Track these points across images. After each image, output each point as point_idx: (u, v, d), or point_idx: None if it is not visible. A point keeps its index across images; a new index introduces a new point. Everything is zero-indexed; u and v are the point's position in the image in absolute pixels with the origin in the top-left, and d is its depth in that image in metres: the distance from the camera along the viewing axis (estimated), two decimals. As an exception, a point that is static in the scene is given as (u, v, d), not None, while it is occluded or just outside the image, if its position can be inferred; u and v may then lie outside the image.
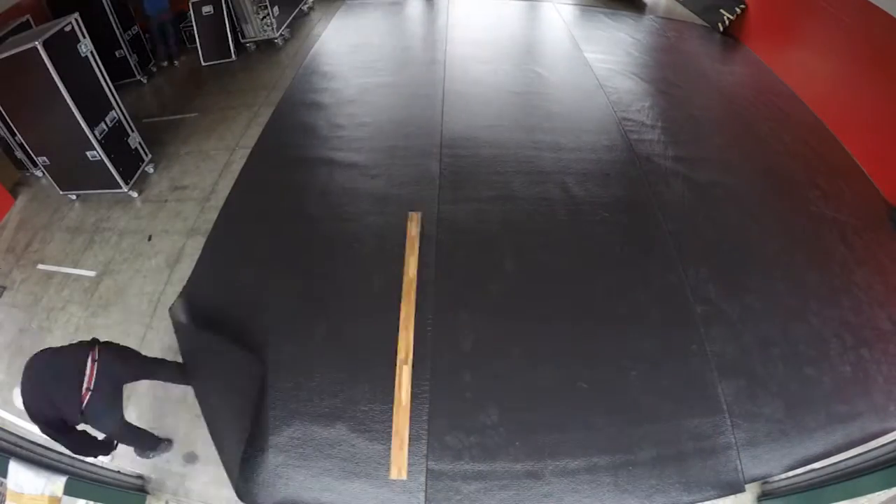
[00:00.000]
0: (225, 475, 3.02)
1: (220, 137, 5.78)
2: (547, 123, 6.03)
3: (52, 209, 4.98)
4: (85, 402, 2.50)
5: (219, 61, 7.52)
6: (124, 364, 2.76)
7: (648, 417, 3.31)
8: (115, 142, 4.89)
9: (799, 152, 5.80)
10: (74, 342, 2.74)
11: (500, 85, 6.81)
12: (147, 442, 3.05)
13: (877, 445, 2.79)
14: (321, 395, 3.37)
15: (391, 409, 3.31)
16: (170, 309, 3.86)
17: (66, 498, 2.50)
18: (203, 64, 7.52)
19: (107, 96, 4.83)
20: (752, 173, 5.41)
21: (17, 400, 2.53)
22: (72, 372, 2.53)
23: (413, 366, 3.50)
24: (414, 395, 3.38)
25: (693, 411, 3.35)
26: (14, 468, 2.40)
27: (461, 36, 8.23)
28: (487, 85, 6.81)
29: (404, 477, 3.00)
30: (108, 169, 4.78)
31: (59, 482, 2.45)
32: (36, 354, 2.65)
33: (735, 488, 3.06)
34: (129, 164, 5.07)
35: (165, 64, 7.59)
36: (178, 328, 3.68)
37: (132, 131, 5.13)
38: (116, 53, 6.62)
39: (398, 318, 3.80)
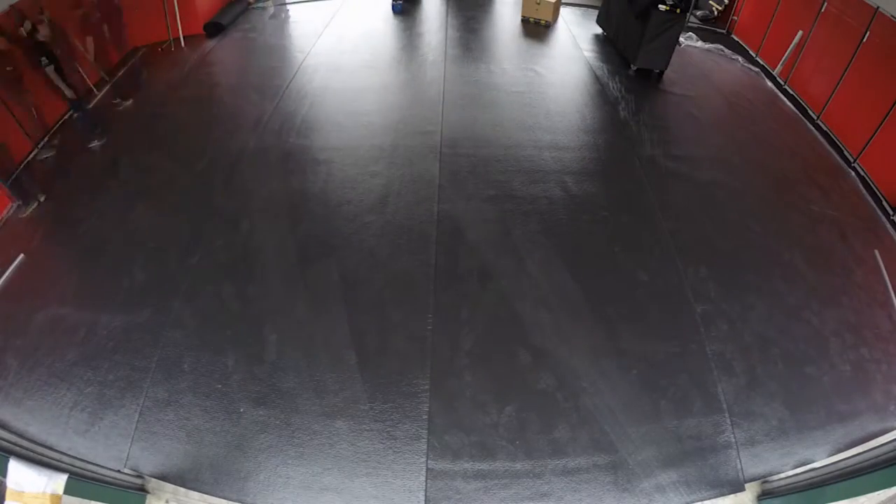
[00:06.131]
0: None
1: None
2: (547, 123, 6.04)
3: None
4: None
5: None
6: None
7: (648, 417, 3.31)
8: None
9: (799, 152, 5.82)
10: None
11: (500, 84, 6.81)
12: None
13: (876, 445, 2.79)
14: (321, 394, 3.37)
15: (392, 408, 3.32)
16: None
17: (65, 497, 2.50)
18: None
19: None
20: (752, 173, 5.43)
21: None
22: None
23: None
24: (414, 395, 3.38)
25: (693, 411, 3.35)
26: (14, 467, 2.40)
27: (461, 36, 8.24)
28: (487, 84, 6.81)
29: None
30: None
31: (60, 480, 2.45)
32: None
33: (735, 487, 3.06)
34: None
35: None
36: None
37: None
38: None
39: (399, 318, 3.81)
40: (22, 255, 4.24)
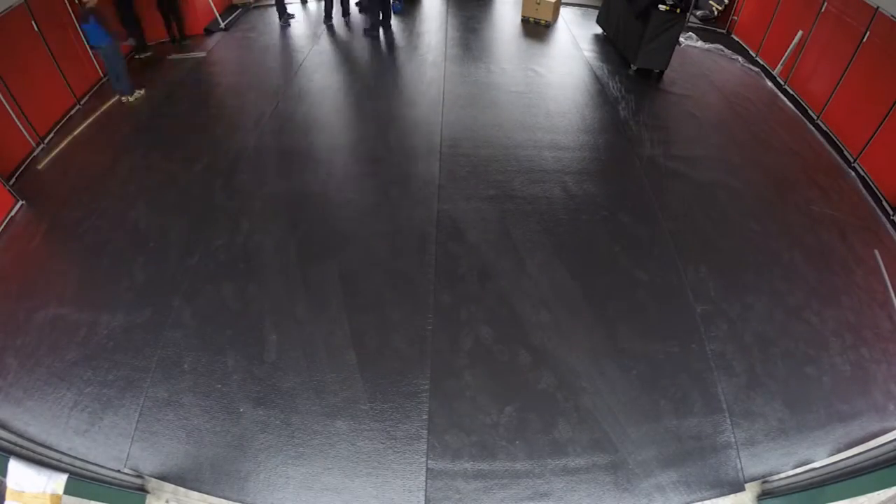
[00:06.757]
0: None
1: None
2: (547, 123, 6.04)
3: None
4: None
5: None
6: None
7: (648, 417, 3.31)
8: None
9: (799, 152, 5.82)
10: None
11: (500, 84, 6.82)
12: None
13: (876, 444, 2.79)
14: (321, 394, 3.37)
15: (392, 408, 3.32)
16: None
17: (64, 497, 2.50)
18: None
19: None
20: (752, 173, 5.43)
21: None
22: None
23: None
24: (414, 395, 3.38)
25: (693, 411, 3.35)
26: (14, 467, 2.40)
27: (461, 35, 8.24)
28: (487, 84, 6.81)
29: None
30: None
31: (60, 480, 2.45)
32: None
33: (735, 487, 3.06)
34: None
35: None
36: None
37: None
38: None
39: (399, 318, 3.81)
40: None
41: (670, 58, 6.89)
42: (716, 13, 8.88)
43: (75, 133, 5.76)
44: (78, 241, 4.45)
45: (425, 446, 3.15)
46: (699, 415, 3.34)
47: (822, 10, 6.26)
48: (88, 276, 4.15)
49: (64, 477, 2.46)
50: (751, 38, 8.02)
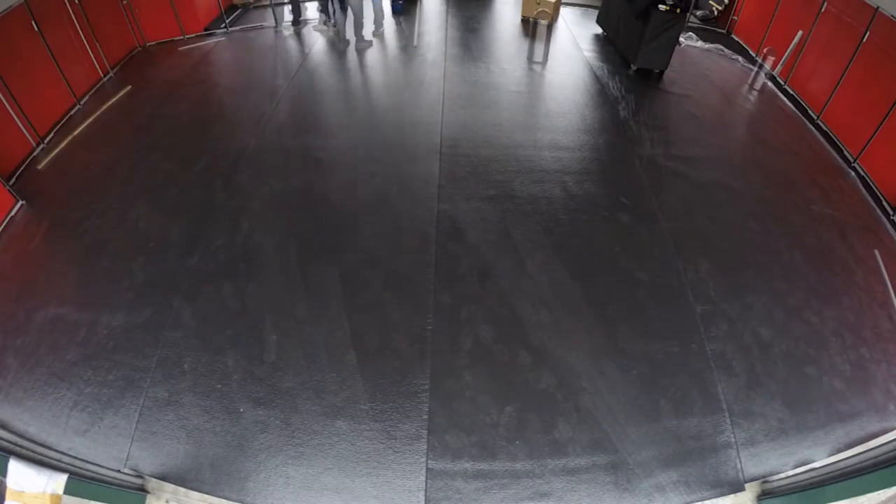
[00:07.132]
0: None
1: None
2: (547, 123, 6.04)
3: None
4: None
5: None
6: None
7: (648, 417, 3.31)
8: None
9: (799, 151, 5.82)
10: None
11: (500, 84, 6.82)
12: None
13: (876, 445, 2.79)
14: (321, 394, 3.37)
15: (392, 408, 3.32)
16: None
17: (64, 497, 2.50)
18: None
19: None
20: (752, 173, 5.43)
21: None
22: None
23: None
24: (414, 395, 3.38)
25: (693, 411, 3.36)
26: (14, 467, 2.40)
27: (461, 35, 8.24)
28: (487, 84, 6.81)
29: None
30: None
31: (61, 480, 2.45)
32: None
33: (735, 487, 3.06)
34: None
35: None
36: None
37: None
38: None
39: (399, 318, 3.81)
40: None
41: (670, 58, 6.89)
42: (716, 13, 8.89)
43: (75, 133, 5.76)
44: (78, 241, 4.44)
45: (425, 446, 3.16)
46: (699, 415, 3.34)
47: (822, 10, 6.27)
48: (88, 276, 4.14)
49: (64, 477, 2.46)
50: (751, 38, 8.03)
